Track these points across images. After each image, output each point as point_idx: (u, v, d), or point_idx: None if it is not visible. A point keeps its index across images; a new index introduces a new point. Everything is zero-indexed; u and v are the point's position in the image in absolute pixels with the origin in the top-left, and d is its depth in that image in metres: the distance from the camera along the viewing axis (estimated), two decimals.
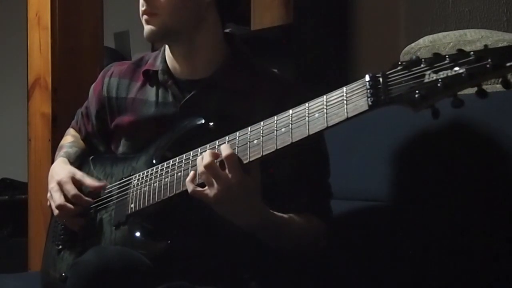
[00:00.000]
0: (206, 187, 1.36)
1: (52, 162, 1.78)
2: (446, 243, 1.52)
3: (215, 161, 1.34)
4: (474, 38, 1.70)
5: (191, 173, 1.39)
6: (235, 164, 1.33)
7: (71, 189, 1.61)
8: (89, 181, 1.62)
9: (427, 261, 1.53)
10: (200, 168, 1.36)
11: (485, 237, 1.46)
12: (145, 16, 1.55)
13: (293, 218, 1.49)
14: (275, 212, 1.45)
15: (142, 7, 1.55)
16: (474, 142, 1.53)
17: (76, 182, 1.62)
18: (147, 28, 1.56)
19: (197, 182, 1.39)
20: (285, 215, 1.48)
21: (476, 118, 1.53)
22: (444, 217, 1.53)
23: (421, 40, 1.82)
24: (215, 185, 1.34)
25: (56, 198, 1.62)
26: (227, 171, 1.33)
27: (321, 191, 1.57)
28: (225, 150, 1.35)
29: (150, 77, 1.64)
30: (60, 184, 1.62)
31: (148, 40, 1.58)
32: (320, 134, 1.46)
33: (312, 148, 1.48)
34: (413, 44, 1.83)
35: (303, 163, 1.50)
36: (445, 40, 1.75)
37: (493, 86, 1.54)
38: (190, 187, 1.39)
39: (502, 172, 1.47)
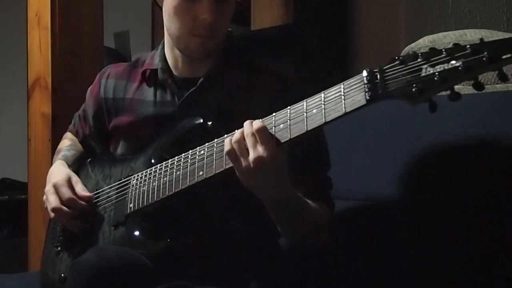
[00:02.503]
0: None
1: (52, 163, 1.78)
2: (446, 243, 1.52)
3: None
4: (474, 38, 1.70)
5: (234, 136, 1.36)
6: (268, 137, 1.32)
7: (66, 192, 1.61)
8: (79, 189, 1.63)
9: (427, 261, 1.53)
10: (237, 135, 1.34)
11: (485, 237, 1.46)
12: (202, 37, 1.52)
13: (309, 202, 1.48)
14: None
15: (202, 31, 1.52)
16: (474, 142, 1.53)
17: (71, 186, 1.63)
18: (203, 46, 1.54)
19: (231, 148, 1.35)
20: (303, 197, 1.47)
21: (476, 118, 1.53)
22: (445, 217, 1.53)
23: (421, 40, 1.82)
24: (250, 154, 1.32)
25: (51, 200, 1.62)
26: (259, 143, 1.32)
27: (323, 182, 1.56)
28: (256, 123, 1.33)
29: (148, 77, 1.64)
30: (55, 187, 1.63)
31: (198, 55, 1.56)
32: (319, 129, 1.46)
33: (311, 141, 1.48)
34: (413, 44, 1.83)
35: (304, 156, 1.50)
36: (445, 40, 1.75)
37: (493, 86, 1.54)
38: (228, 146, 1.35)
39: (502, 172, 1.47)
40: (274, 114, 1.33)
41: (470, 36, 1.73)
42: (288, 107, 1.31)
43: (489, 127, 1.51)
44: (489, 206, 1.47)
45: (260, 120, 1.34)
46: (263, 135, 1.31)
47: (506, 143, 1.48)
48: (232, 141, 1.34)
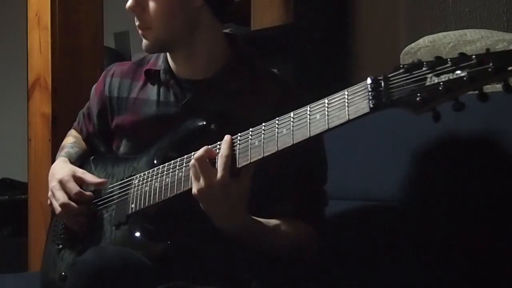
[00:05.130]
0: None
1: (53, 162, 1.78)
2: (446, 243, 1.52)
3: (208, 160, 1.38)
4: (474, 38, 1.71)
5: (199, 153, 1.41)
6: (225, 165, 1.35)
7: (74, 187, 1.61)
8: (90, 178, 1.63)
9: (427, 261, 1.53)
10: (192, 160, 1.39)
11: (485, 238, 1.46)
12: (140, 31, 1.58)
13: (278, 227, 1.48)
14: (259, 220, 1.45)
15: (136, 22, 1.58)
16: (474, 143, 1.53)
17: (77, 180, 1.62)
18: (144, 42, 1.59)
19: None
20: (270, 224, 1.47)
21: (476, 118, 1.53)
22: (444, 217, 1.53)
23: (421, 40, 1.82)
24: (200, 180, 1.37)
25: (59, 196, 1.62)
26: (217, 170, 1.36)
27: (314, 198, 1.56)
28: (224, 150, 1.36)
29: (152, 77, 1.64)
30: (61, 183, 1.62)
31: (147, 52, 1.61)
32: (320, 139, 1.47)
33: (310, 154, 1.48)
34: (413, 44, 1.83)
35: (300, 168, 1.50)
36: (445, 40, 1.75)
37: (493, 86, 1.54)
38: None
39: (502, 173, 1.47)
40: (277, 119, 1.33)
41: (470, 36, 1.73)
42: (291, 113, 1.31)
43: (489, 127, 1.51)
44: (489, 206, 1.47)
45: (229, 142, 1.36)
46: (222, 163, 1.35)
47: (506, 143, 1.48)
48: (197, 158, 1.38)
